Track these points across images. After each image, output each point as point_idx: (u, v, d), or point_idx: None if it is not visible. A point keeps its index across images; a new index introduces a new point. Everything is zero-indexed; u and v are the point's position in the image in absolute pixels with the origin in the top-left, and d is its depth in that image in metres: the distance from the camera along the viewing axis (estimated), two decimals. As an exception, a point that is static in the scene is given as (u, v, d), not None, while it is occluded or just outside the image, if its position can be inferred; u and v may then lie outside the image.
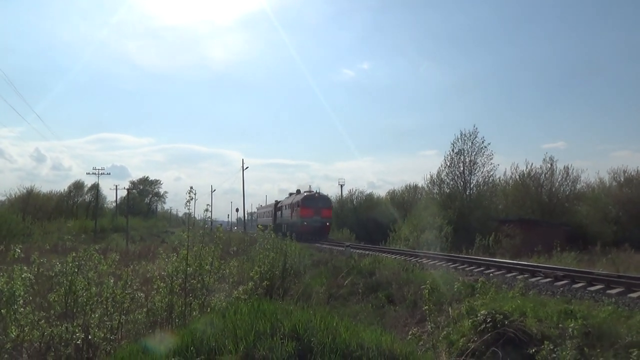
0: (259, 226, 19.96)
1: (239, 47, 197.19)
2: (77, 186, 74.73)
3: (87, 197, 75.60)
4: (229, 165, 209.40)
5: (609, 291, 9.96)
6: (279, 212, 49.96)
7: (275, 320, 5.52)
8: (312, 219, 38.81)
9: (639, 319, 7.30)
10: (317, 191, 42.62)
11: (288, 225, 42.18)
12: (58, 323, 7.78)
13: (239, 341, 5.25)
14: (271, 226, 48.80)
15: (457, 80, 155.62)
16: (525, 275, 12.01)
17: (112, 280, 8.49)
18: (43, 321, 7.67)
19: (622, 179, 39.72)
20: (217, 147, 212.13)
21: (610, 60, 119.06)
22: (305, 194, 42.27)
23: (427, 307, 8.89)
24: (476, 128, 35.27)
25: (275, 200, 55.58)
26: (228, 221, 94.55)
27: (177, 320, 8.96)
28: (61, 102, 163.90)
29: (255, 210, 76.99)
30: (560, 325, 7.06)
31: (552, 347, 6.37)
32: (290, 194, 48.59)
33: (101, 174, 62.87)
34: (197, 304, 9.16)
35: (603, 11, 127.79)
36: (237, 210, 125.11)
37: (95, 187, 70.08)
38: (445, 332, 8.06)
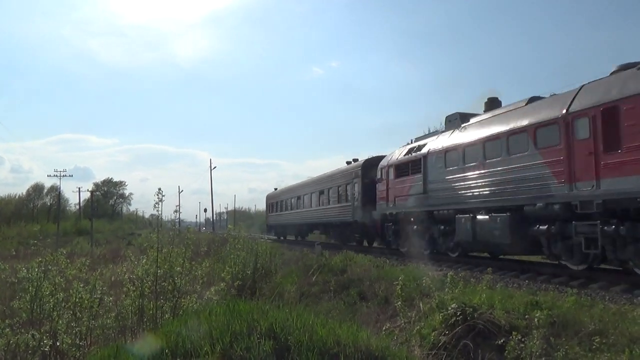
0: (230, 226, 18.85)
1: (207, 44, 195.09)
2: (37, 189, 72.49)
3: (48, 200, 73.40)
4: (197, 165, 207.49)
5: (571, 282, 10.33)
6: (410, 180, 17.15)
7: (251, 320, 5.50)
8: None
9: (601, 308, 7.62)
10: None
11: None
12: (23, 331, 7.54)
13: (215, 342, 5.21)
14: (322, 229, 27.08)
15: (426, 78, 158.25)
16: (492, 269, 12.30)
17: (81, 285, 8.29)
18: (8, 329, 7.41)
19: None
20: (185, 147, 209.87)
21: (574, 57, 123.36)
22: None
23: (398, 302, 9.03)
24: (443, 125, 35.81)
25: (358, 160, 22.95)
26: (196, 222, 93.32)
27: (148, 324, 8.82)
28: (20, 102, 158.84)
29: (224, 210, 72.61)
30: (527, 316, 7.29)
31: (520, 338, 6.59)
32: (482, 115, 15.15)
33: (63, 175, 60.85)
34: (169, 307, 9.04)
35: (566, 8, 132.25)
36: (205, 210, 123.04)
37: (56, 190, 68.06)
38: (417, 327, 8.19)
